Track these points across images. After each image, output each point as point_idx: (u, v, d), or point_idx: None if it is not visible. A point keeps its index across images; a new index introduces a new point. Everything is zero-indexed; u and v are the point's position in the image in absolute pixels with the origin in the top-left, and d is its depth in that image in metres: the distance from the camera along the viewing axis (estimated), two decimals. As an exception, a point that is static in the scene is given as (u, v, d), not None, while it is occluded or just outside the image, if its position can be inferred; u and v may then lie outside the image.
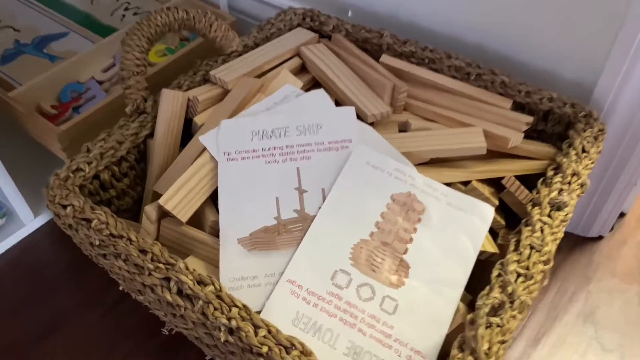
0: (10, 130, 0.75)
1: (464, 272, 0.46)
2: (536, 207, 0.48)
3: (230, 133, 0.53)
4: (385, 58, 0.63)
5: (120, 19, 0.88)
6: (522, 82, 0.58)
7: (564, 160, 0.52)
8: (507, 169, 0.54)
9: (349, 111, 0.55)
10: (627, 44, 0.53)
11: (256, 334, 0.40)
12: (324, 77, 0.61)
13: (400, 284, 0.46)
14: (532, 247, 0.45)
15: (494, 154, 0.55)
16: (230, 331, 0.41)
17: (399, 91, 0.58)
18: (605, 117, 0.58)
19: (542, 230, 0.46)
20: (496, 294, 0.42)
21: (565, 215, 0.48)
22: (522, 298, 0.42)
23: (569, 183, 0.50)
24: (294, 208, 0.50)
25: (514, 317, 0.41)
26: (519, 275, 0.43)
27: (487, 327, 0.40)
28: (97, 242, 0.47)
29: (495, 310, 0.41)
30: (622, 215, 0.71)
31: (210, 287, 0.42)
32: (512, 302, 0.41)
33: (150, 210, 0.50)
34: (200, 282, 0.43)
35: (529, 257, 0.44)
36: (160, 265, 0.44)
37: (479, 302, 0.42)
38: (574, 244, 0.70)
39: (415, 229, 0.48)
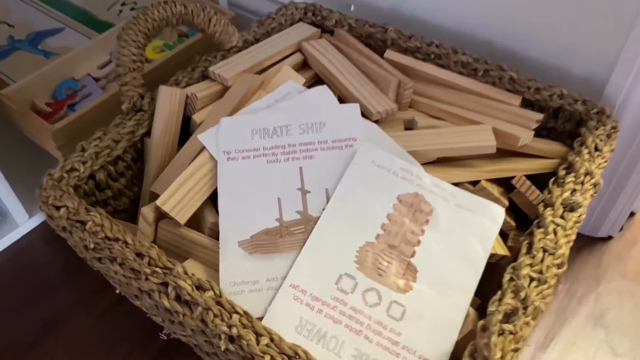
0: (3, 129, 0.74)
1: (473, 275, 0.45)
2: (548, 208, 0.46)
3: (230, 131, 0.52)
4: (389, 54, 0.61)
5: (117, 15, 0.87)
6: (532, 78, 0.57)
7: (577, 159, 0.50)
8: (517, 168, 0.52)
9: (354, 108, 0.53)
10: (642, 38, 0.51)
11: (258, 342, 0.38)
12: (326, 74, 0.60)
13: (408, 288, 0.44)
14: (545, 250, 0.43)
15: (503, 153, 0.53)
16: (231, 339, 0.39)
17: (404, 88, 0.57)
18: (616, 115, 0.57)
19: (555, 233, 0.45)
20: (509, 300, 0.40)
21: (579, 216, 0.46)
22: (535, 304, 0.40)
23: (582, 183, 0.48)
24: (297, 209, 0.48)
25: (527, 323, 0.40)
26: (532, 279, 0.42)
27: (499, 335, 0.39)
28: (91, 245, 0.45)
29: (507, 317, 0.40)
30: (632, 214, 0.69)
31: (210, 293, 0.41)
32: (525, 308, 0.40)
33: (147, 211, 0.48)
34: (199, 288, 0.41)
35: (542, 261, 0.43)
36: (158, 269, 0.42)
37: (490, 308, 0.40)
38: (583, 244, 0.68)
39: (422, 231, 0.46)
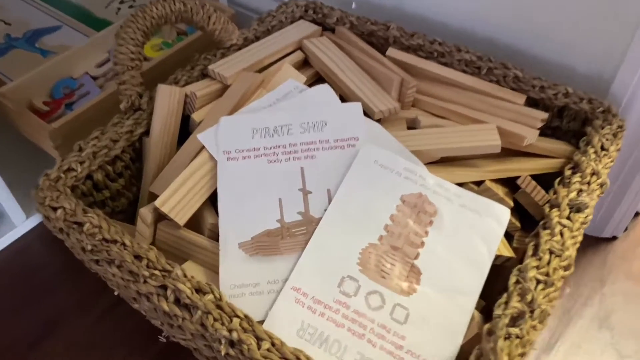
0: (0, 128, 0.74)
1: (478, 278, 0.44)
2: (555, 209, 0.45)
3: (230, 131, 0.51)
4: (391, 51, 0.61)
5: (116, 12, 0.86)
6: (536, 76, 0.56)
7: (583, 159, 0.49)
8: (522, 168, 0.52)
9: (356, 107, 0.52)
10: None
11: (259, 347, 0.38)
12: (328, 72, 0.59)
13: (412, 291, 0.43)
14: (551, 252, 0.42)
15: (507, 152, 0.53)
16: (231, 343, 0.38)
17: (407, 86, 0.56)
18: (622, 113, 0.56)
19: (561, 234, 0.44)
20: (516, 304, 0.39)
21: (585, 217, 0.46)
22: (542, 307, 0.39)
23: (589, 183, 0.48)
24: (298, 210, 0.47)
25: (534, 327, 0.39)
26: (538, 282, 0.41)
27: (505, 339, 0.38)
28: (89, 247, 0.44)
29: (514, 320, 0.39)
30: (637, 214, 0.69)
31: (210, 296, 0.40)
32: (532, 312, 0.39)
33: (145, 212, 0.48)
34: (199, 290, 0.41)
35: (548, 263, 0.42)
36: (156, 272, 0.42)
37: (497, 312, 0.39)
38: (587, 244, 0.67)
39: (426, 232, 0.45)
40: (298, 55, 0.62)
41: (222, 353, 0.38)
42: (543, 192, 0.50)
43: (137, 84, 0.56)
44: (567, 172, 0.49)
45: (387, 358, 0.41)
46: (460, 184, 0.49)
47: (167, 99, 0.55)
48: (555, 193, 0.47)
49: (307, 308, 0.42)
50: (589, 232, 0.68)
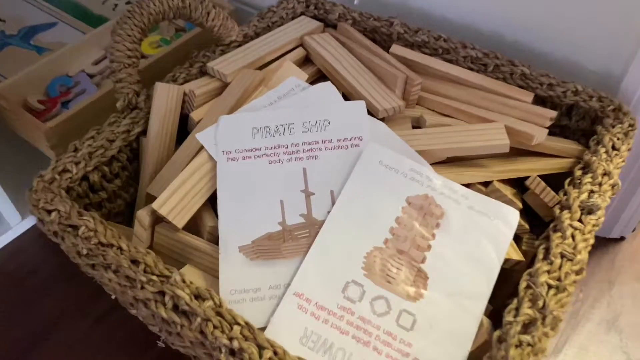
0: (-5, 128, 0.73)
1: (487, 282, 0.43)
2: (565, 211, 0.44)
3: (229, 130, 0.50)
4: (395, 48, 0.59)
5: (113, 8, 0.85)
6: (544, 73, 0.55)
7: (594, 158, 0.48)
8: (530, 168, 0.50)
9: (359, 106, 0.51)
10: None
11: (260, 356, 0.36)
12: (330, 69, 0.58)
13: (418, 296, 0.42)
14: (563, 256, 0.41)
15: (515, 152, 0.51)
16: (232, 352, 0.37)
17: (412, 84, 0.55)
18: (633, 111, 0.54)
19: (573, 237, 0.42)
20: (527, 310, 0.38)
21: (597, 219, 0.44)
22: (554, 313, 0.38)
23: (600, 184, 0.46)
24: (301, 212, 0.46)
25: (545, 334, 0.37)
26: (550, 287, 0.39)
27: (516, 347, 0.36)
28: (84, 252, 0.43)
29: (525, 327, 0.38)
30: (645, 214, 0.68)
31: (209, 302, 0.39)
32: (543, 318, 0.38)
33: (142, 215, 0.46)
34: (198, 297, 0.39)
35: (560, 267, 0.41)
36: (154, 277, 0.40)
37: (507, 318, 0.38)
38: (594, 245, 0.66)
39: (433, 235, 0.44)
40: (299, 52, 0.61)
41: (223, 362, 0.37)
42: (553, 193, 0.48)
43: (134, 82, 0.55)
44: (578, 173, 0.48)
45: (393, 366, 0.39)
46: (467, 185, 0.48)
47: (165, 98, 0.54)
48: (565, 194, 0.46)
49: (310, 314, 0.41)
50: (597, 232, 0.66)
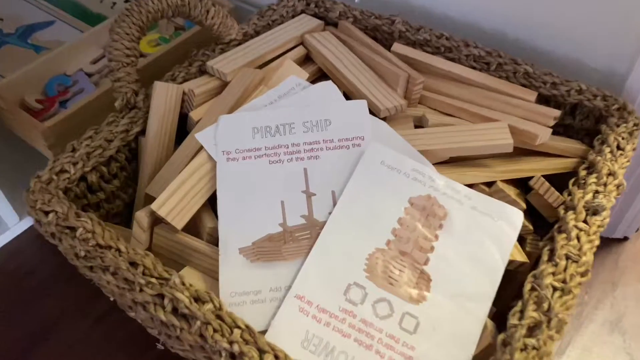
0: (-9, 127, 0.73)
1: (491, 284, 0.42)
2: (570, 212, 0.44)
3: (229, 130, 0.49)
4: (397, 47, 0.59)
5: (111, 7, 0.85)
6: (548, 72, 0.54)
7: (598, 158, 0.47)
8: (534, 168, 0.50)
9: (361, 105, 0.50)
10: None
11: (261, 360, 0.36)
12: (331, 68, 0.57)
13: (421, 298, 0.41)
14: (568, 258, 0.41)
15: (518, 152, 0.51)
16: (232, 356, 0.36)
17: (414, 83, 0.54)
18: (638, 110, 0.54)
19: (578, 238, 0.42)
20: (532, 313, 0.37)
21: (602, 220, 0.44)
22: (559, 316, 0.37)
23: (605, 184, 0.46)
24: (302, 213, 0.45)
25: (551, 337, 0.37)
26: (555, 289, 0.39)
27: (522, 350, 0.36)
28: (82, 254, 0.43)
29: (530, 330, 0.37)
30: (649, 214, 0.67)
31: (209, 305, 0.38)
32: (549, 321, 0.37)
33: (141, 216, 0.46)
34: (198, 300, 0.39)
35: (565, 269, 0.40)
36: (153, 279, 0.40)
37: (512, 321, 0.37)
38: (598, 245, 0.66)
39: (436, 237, 0.43)
40: (300, 51, 0.60)
41: (223, 366, 0.36)
42: (557, 193, 0.48)
43: (133, 81, 0.54)
44: (582, 173, 0.47)
45: (396, 370, 0.39)
46: (470, 185, 0.47)
47: (164, 97, 0.53)
48: (570, 195, 0.46)
49: (311, 317, 0.41)
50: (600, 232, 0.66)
